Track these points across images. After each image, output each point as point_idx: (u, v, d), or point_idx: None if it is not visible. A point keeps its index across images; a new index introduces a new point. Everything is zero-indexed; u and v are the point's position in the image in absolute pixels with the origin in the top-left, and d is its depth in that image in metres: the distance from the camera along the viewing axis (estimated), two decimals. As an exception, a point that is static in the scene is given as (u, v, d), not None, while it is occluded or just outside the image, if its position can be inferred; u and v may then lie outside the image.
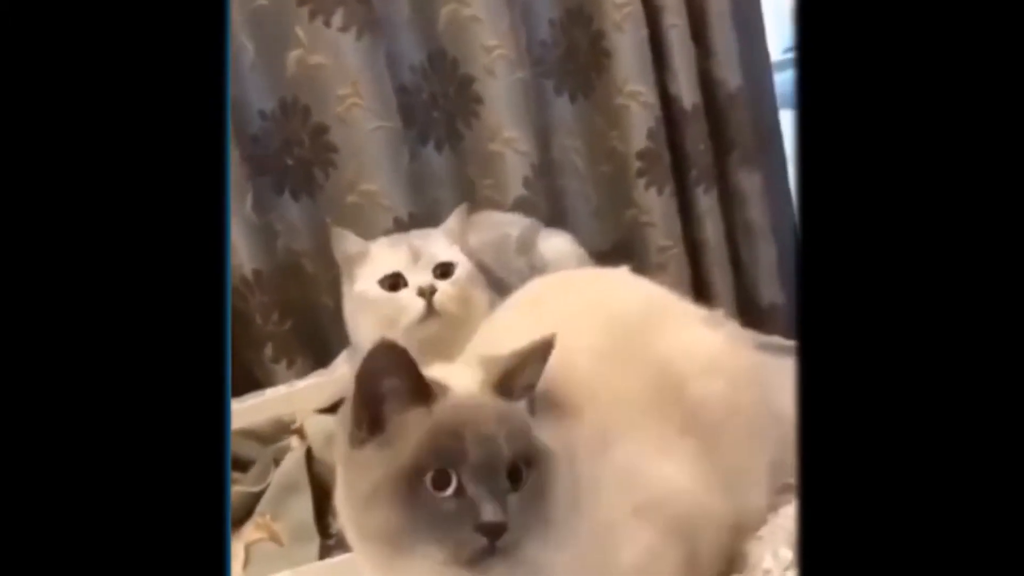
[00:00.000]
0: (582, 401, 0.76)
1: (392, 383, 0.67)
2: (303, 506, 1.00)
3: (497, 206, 1.77)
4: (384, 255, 1.19)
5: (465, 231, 1.23)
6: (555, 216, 1.80)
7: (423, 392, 0.67)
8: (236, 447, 1.15)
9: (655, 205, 1.89)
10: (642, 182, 1.89)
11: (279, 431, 1.16)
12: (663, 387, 0.79)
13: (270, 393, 1.56)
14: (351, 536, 0.71)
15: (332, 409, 1.25)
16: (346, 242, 1.24)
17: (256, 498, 1.06)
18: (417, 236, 1.23)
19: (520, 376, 0.70)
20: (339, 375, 1.42)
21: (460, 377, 0.72)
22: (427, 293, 1.13)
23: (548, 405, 0.74)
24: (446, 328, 1.11)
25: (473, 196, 1.79)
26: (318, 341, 1.73)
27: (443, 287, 1.14)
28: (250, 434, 1.16)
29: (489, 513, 0.63)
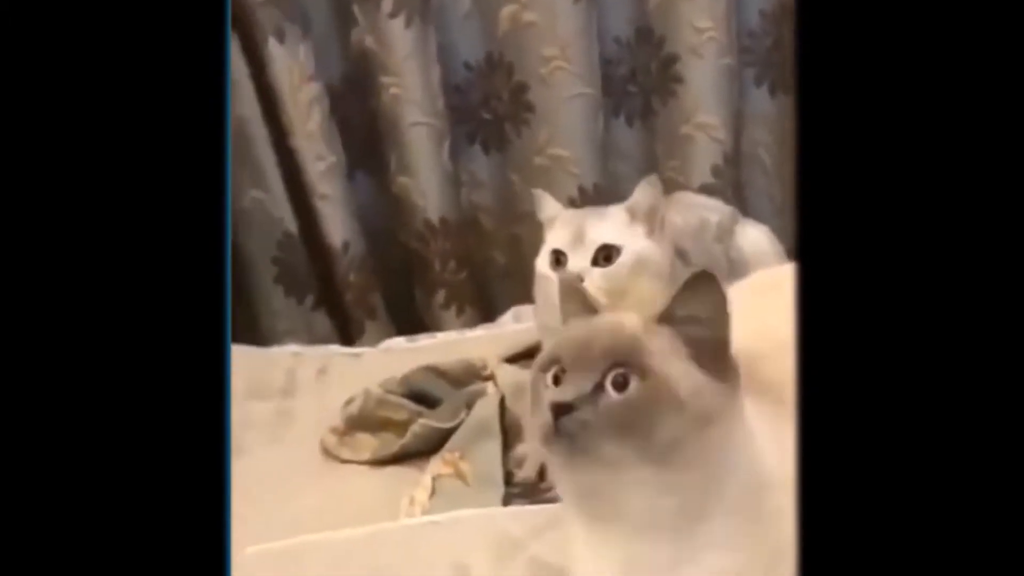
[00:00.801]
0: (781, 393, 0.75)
1: (573, 314, 0.74)
2: (493, 452, 1.03)
3: (680, 189, 1.76)
4: (558, 228, 1.19)
5: (657, 206, 1.20)
6: (738, 209, 1.77)
7: (588, 307, 0.74)
8: (424, 383, 1.19)
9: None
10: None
11: (469, 375, 1.19)
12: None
13: (441, 336, 1.61)
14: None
15: (515, 360, 1.28)
16: (544, 204, 1.25)
17: (443, 434, 1.09)
18: (593, 213, 1.21)
19: (679, 306, 0.69)
20: (516, 329, 1.45)
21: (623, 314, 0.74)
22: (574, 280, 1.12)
23: (772, 400, 0.74)
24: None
25: (658, 176, 1.78)
26: (487, 295, 1.77)
27: (594, 275, 1.12)
28: (439, 373, 1.20)
29: (557, 393, 0.66)
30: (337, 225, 1.66)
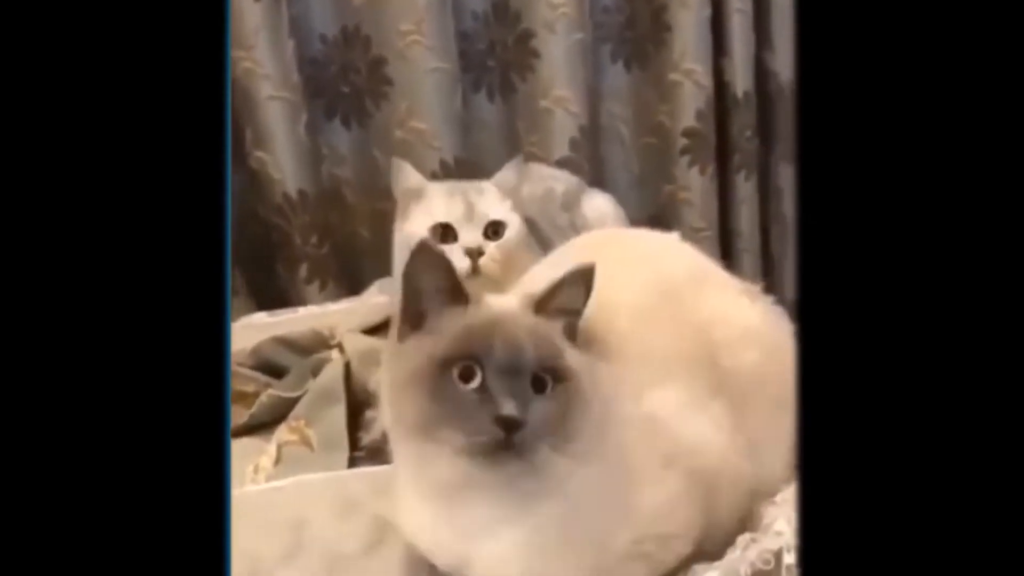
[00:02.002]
0: (622, 350, 0.80)
1: (432, 282, 0.73)
2: (337, 416, 1.04)
3: (541, 163, 1.80)
4: (439, 202, 1.20)
5: (519, 185, 1.24)
6: (596, 182, 1.82)
7: (459, 294, 0.73)
8: (272, 354, 1.20)
9: (695, 184, 1.92)
10: (685, 160, 1.91)
11: (317, 344, 1.20)
12: (699, 350, 0.83)
13: (303, 311, 1.60)
14: (388, 425, 0.77)
15: (368, 331, 1.29)
16: (406, 175, 1.24)
17: (290, 403, 1.10)
18: (473, 188, 1.23)
19: (557, 297, 0.74)
20: (374, 302, 1.46)
21: (502, 298, 0.78)
22: (474, 254, 1.15)
23: (590, 348, 0.78)
24: (488, 287, 1.14)
25: (518, 150, 1.82)
26: (352, 269, 1.78)
27: (491, 249, 1.16)
28: (287, 343, 1.21)
29: (508, 408, 0.68)
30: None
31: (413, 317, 0.74)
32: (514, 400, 0.68)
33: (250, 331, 1.49)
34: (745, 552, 0.75)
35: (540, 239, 1.28)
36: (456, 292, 0.73)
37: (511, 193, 1.23)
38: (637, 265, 0.89)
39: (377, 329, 1.34)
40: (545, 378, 0.71)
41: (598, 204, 1.42)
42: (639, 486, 0.75)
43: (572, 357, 0.73)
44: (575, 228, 1.36)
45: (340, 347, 1.15)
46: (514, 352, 0.70)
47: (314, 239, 1.71)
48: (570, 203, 1.39)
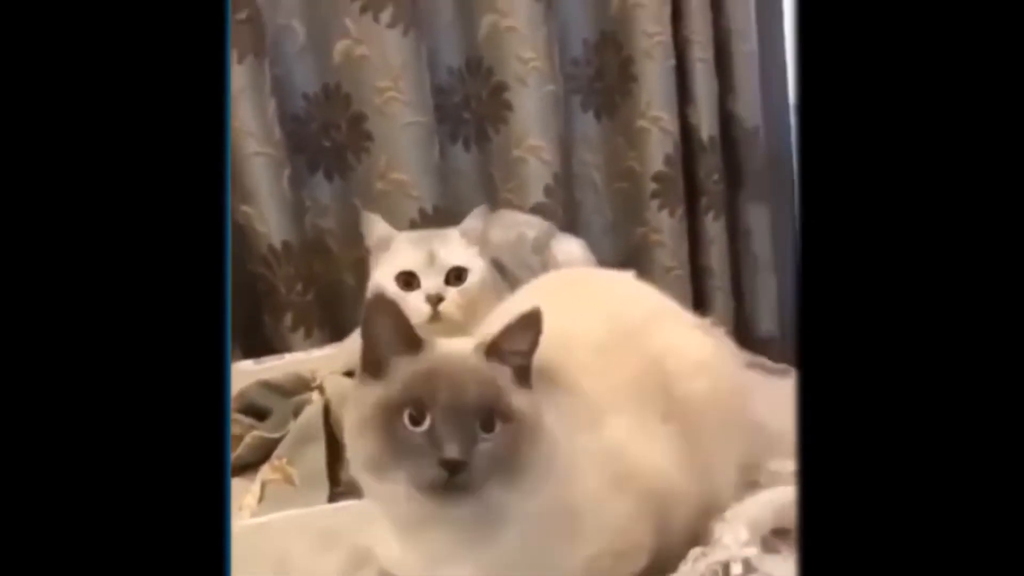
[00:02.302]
0: (578, 382, 0.86)
1: (387, 330, 0.77)
2: (317, 455, 1.09)
3: (517, 210, 1.87)
4: (403, 251, 1.26)
5: (485, 231, 1.30)
6: (570, 227, 1.89)
7: (412, 341, 0.78)
8: (257, 397, 1.25)
9: (666, 226, 1.99)
10: (655, 203, 1.99)
11: (299, 386, 1.26)
12: (652, 380, 0.89)
13: (288, 357, 1.66)
14: (350, 463, 0.82)
15: (349, 374, 1.35)
16: (375, 226, 1.31)
17: (274, 443, 1.15)
18: (437, 236, 1.29)
19: (508, 341, 0.78)
20: (357, 347, 1.52)
21: (457, 343, 0.82)
22: (433, 300, 1.21)
23: (547, 382, 0.84)
24: (451, 331, 1.20)
25: (495, 197, 1.90)
26: (336, 316, 1.84)
27: (451, 295, 1.21)
28: (271, 386, 1.26)
29: (451, 451, 0.71)
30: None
31: (371, 364, 0.78)
32: (457, 442, 0.72)
33: (237, 377, 1.54)
34: (696, 564, 0.80)
35: (512, 281, 1.34)
36: (410, 339, 0.78)
37: (477, 239, 1.28)
38: (595, 302, 0.95)
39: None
40: (494, 419, 0.75)
41: (568, 248, 1.48)
42: (595, 506, 0.80)
43: (519, 397, 0.77)
44: (546, 270, 1.42)
45: (321, 388, 1.20)
46: (458, 395, 0.74)
47: (299, 288, 1.77)
48: (541, 247, 1.46)
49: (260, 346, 1.78)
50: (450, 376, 0.75)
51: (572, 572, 0.79)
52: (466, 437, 0.73)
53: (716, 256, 2.05)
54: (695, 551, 0.82)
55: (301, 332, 1.78)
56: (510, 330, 0.78)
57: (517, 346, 0.79)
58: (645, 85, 1.97)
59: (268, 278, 1.76)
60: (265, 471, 1.11)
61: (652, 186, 1.99)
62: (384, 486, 0.76)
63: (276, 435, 1.16)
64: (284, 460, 1.10)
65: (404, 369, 0.77)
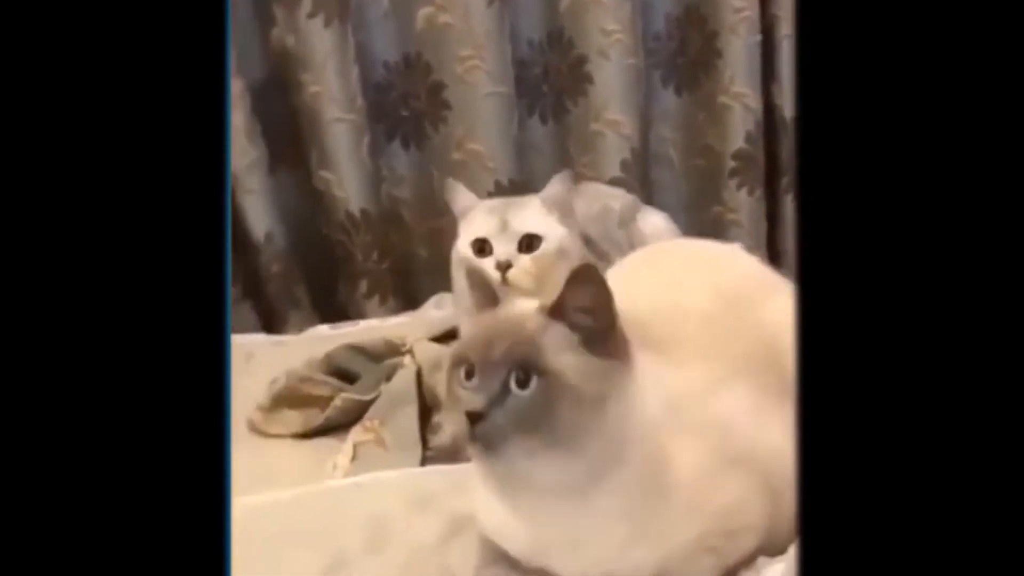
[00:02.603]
0: (688, 355, 0.84)
1: (474, 291, 0.82)
2: (410, 418, 1.09)
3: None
4: (480, 218, 1.26)
5: (568, 198, 1.28)
6: (645, 203, 1.87)
7: (491, 300, 0.80)
8: (344, 361, 1.26)
9: (743, 205, 1.96)
10: (734, 182, 1.96)
11: (388, 351, 1.26)
12: (766, 356, 0.86)
13: (363, 324, 1.67)
14: None
15: (437, 340, 1.35)
16: (457, 194, 1.31)
17: (364, 406, 1.16)
18: (514, 204, 1.28)
19: (569, 299, 0.76)
20: (433, 316, 1.52)
21: (524, 303, 0.81)
22: (503, 267, 1.19)
23: (653, 354, 0.82)
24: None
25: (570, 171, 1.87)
26: (409, 285, 1.84)
27: (522, 262, 1.20)
28: (359, 350, 1.26)
29: (471, 402, 0.72)
30: (260, 218, 1.71)
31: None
32: (482, 394, 0.73)
33: (314, 342, 1.56)
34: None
35: (597, 254, 1.32)
36: (488, 298, 0.80)
37: (557, 206, 1.26)
38: (703, 272, 0.94)
39: (440, 340, 1.40)
40: (529, 373, 0.73)
41: (654, 221, 1.46)
42: (704, 482, 0.79)
43: (567, 357, 0.74)
44: (631, 244, 1.40)
45: (412, 353, 1.20)
46: (490, 349, 0.74)
47: (375, 256, 1.77)
48: (626, 220, 1.44)
49: (334, 311, 1.79)
50: (490, 332, 0.76)
51: (682, 550, 0.78)
52: (493, 391, 0.73)
53: (793, 238, 2.01)
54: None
55: (376, 299, 1.78)
56: (566, 288, 0.76)
57: (579, 302, 0.76)
58: (729, 61, 1.93)
59: (345, 244, 1.76)
60: (357, 432, 1.11)
61: (731, 164, 1.95)
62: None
63: (367, 397, 1.16)
64: (376, 422, 1.11)
65: (467, 328, 0.78)
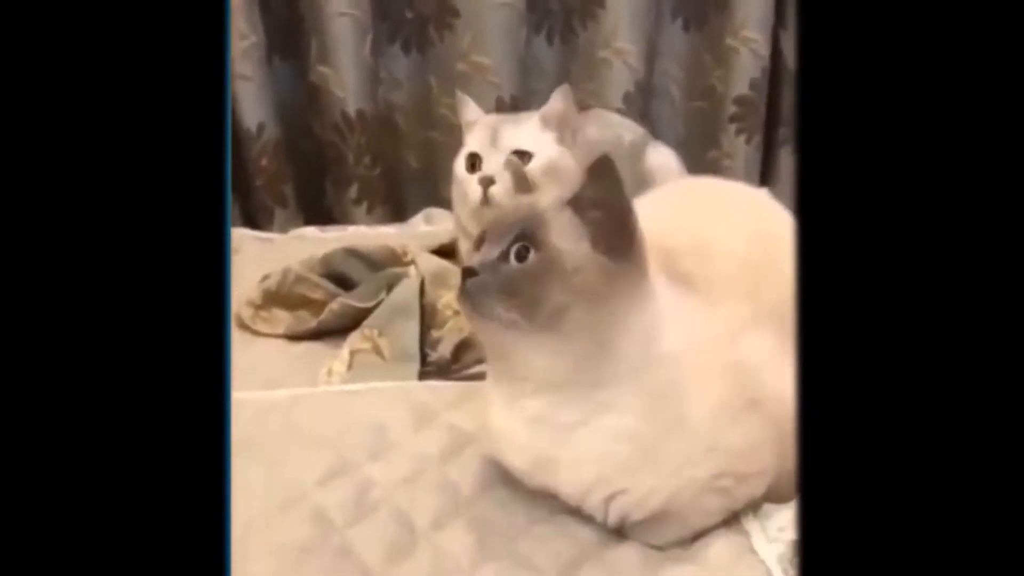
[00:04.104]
0: (719, 295, 0.83)
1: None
2: (411, 330, 1.07)
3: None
4: (476, 132, 1.23)
5: (569, 115, 1.24)
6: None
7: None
8: (342, 265, 1.22)
9: (740, 152, 1.94)
10: (733, 127, 1.93)
11: (390, 259, 1.23)
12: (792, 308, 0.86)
13: (352, 229, 1.63)
14: None
15: (437, 253, 1.32)
16: (464, 108, 1.28)
17: (360, 313, 1.13)
18: (510, 119, 1.25)
19: (585, 192, 0.76)
20: (425, 231, 1.49)
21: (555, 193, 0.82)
22: (485, 183, 1.16)
23: (684, 288, 0.81)
24: None
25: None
26: (399, 196, 1.79)
27: (505, 179, 1.15)
28: (358, 255, 1.23)
29: (467, 259, 0.76)
30: (252, 108, 1.64)
31: None
32: (480, 256, 0.75)
33: (300, 243, 1.52)
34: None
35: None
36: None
37: (556, 124, 1.23)
38: (739, 213, 0.92)
39: (437, 252, 1.37)
40: (529, 248, 0.74)
41: (662, 157, 1.43)
42: (723, 423, 0.79)
43: (563, 236, 0.75)
44: (638, 179, 1.38)
45: (415, 264, 1.17)
46: (500, 219, 0.77)
47: (367, 160, 1.72)
48: (636, 153, 1.41)
49: (321, 214, 1.75)
50: (506, 209, 0.81)
51: (692, 485, 0.78)
52: (492, 255, 0.75)
53: (785, 191, 2.00)
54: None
55: (364, 206, 1.74)
56: (584, 180, 0.76)
57: (593, 194, 0.76)
58: (742, 2, 1.89)
59: (338, 146, 1.71)
60: (355, 340, 1.09)
61: (732, 109, 1.92)
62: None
63: (365, 305, 1.13)
64: (375, 332, 1.08)
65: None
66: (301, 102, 1.71)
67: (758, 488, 0.81)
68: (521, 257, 0.74)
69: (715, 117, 1.96)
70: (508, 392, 0.79)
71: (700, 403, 0.78)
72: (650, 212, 0.89)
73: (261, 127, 1.65)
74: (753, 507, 0.82)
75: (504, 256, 0.74)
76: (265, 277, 1.21)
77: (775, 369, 0.82)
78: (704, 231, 0.88)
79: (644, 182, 1.38)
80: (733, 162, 1.95)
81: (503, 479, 0.84)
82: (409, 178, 1.83)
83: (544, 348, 0.74)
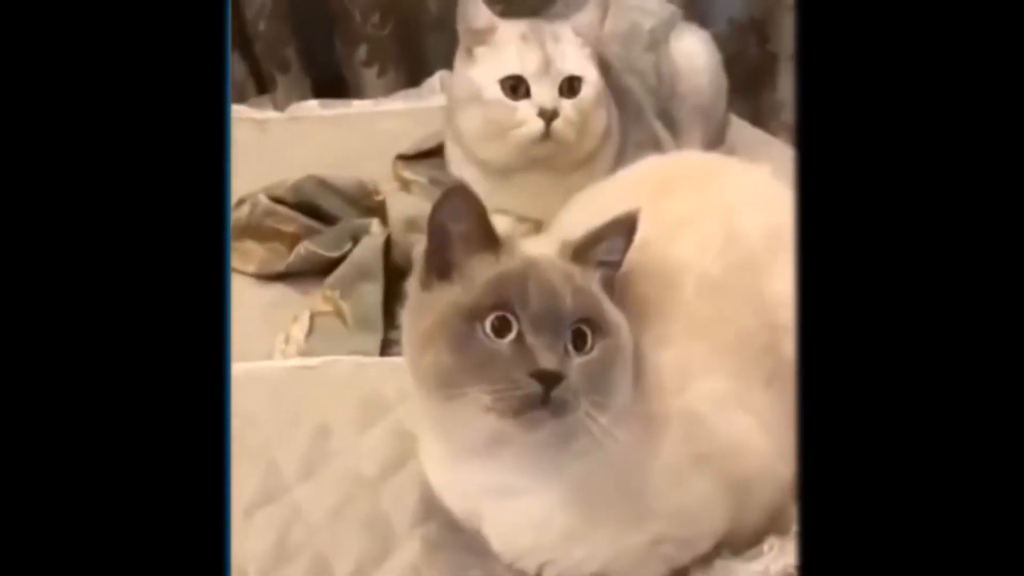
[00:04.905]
0: (677, 331, 0.73)
1: (461, 228, 0.67)
2: (373, 294, 1.00)
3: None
4: (511, 48, 1.05)
5: (601, 25, 1.08)
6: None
7: (490, 239, 0.67)
8: (314, 196, 1.13)
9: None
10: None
11: (361, 195, 1.13)
12: (761, 335, 0.75)
13: (356, 104, 1.51)
14: (412, 377, 0.71)
15: (417, 157, 1.22)
16: (474, 10, 1.07)
17: (327, 263, 1.06)
18: (549, 33, 1.07)
19: (597, 247, 0.69)
20: (434, 106, 1.36)
21: (539, 244, 0.72)
22: (548, 115, 1.02)
23: (641, 320, 0.72)
24: (559, 150, 1.04)
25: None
26: (415, 54, 1.64)
27: (566, 110, 1.03)
28: (330, 187, 1.13)
29: (547, 360, 0.62)
30: (246, -35, 1.49)
31: (440, 265, 0.68)
32: (553, 351, 0.63)
33: (296, 127, 1.42)
34: (768, 560, 0.73)
35: (614, 88, 1.13)
36: (488, 238, 0.67)
37: (593, 37, 1.07)
38: (711, 217, 0.79)
39: (431, 154, 1.26)
40: (586, 331, 0.65)
41: (689, 46, 1.23)
42: (669, 483, 0.71)
43: (612, 310, 0.68)
44: (659, 74, 1.20)
45: (383, 211, 1.07)
46: (551, 302, 0.64)
47: (375, 19, 1.56)
48: (657, 41, 1.21)
49: (330, 79, 1.62)
50: (541, 279, 0.65)
51: (630, 551, 0.72)
52: (560, 348, 0.63)
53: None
54: (770, 541, 0.74)
55: (375, 69, 1.60)
56: (601, 234, 0.68)
57: (608, 254, 0.69)
58: None
59: (343, 1, 1.55)
60: (316, 301, 1.03)
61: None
62: (453, 405, 0.64)
63: (332, 254, 1.06)
64: (337, 293, 1.02)
65: (485, 271, 0.66)
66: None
67: (704, 546, 0.75)
68: (580, 345, 0.65)
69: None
70: (450, 451, 0.72)
71: (643, 464, 0.71)
72: (614, 206, 0.77)
73: (256, -13, 1.50)
74: (704, 561, 0.75)
75: (567, 347, 0.64)
76: (239, 202, 1.14)
77: (728, 417, 0.74)
78: (668, 245, 0.76)
79: (665, 79, 1.21)
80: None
81: (438, 508, 0.79)
82: (428, 29, 1.66)
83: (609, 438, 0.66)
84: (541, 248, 0.71)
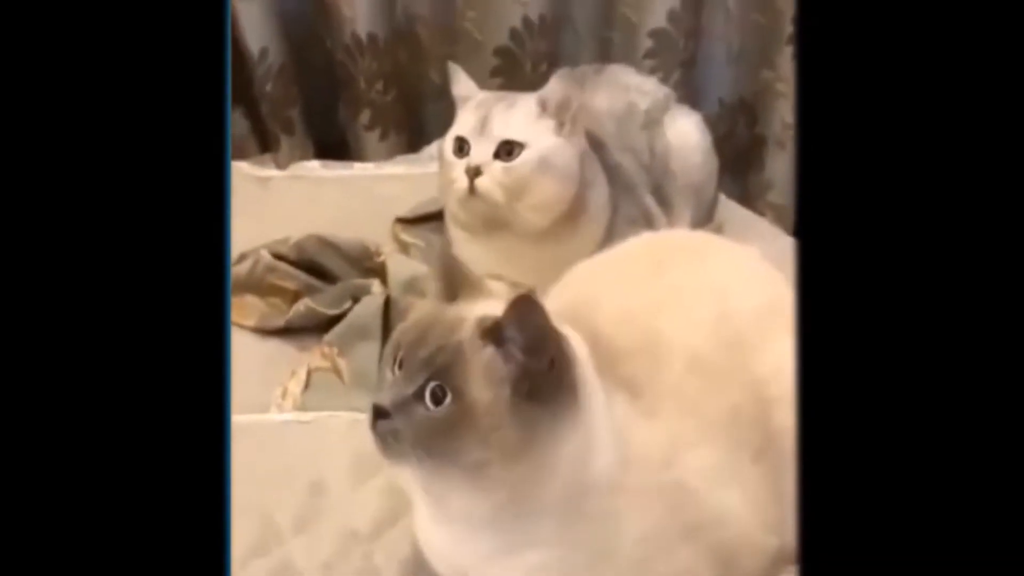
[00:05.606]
0: (663, 405, 0.76)
1: (441, 277, 0.76)
2: (370, 354, 1.03)
3: (632, 29, 1.65)
4: (467, 112, 1.11)
5: (571, 101, 1.10)
6: (688, 59, 1.68)
7: (450, 294, 0.74)
8: (316, 254, 1.17)
9: (795, 78, 1.75)
10: (791, 49, 1.74)
11: (362, 255, 1.16)
12: (750, 410, 0.78)
13: (358, 167, 1.55)
14: None
15: (416, 220, 1.25)
16: (456, 80, 1.16)
17: (326, 320, 1.09)
18: (505, 100, 1.12)
19: (506, 328, 0.67)
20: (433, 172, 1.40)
21: (475, 306, 0.72)
22: (471, 173, 1.06)
23: (626, 399, 0.74)
24: (494, 210, 1.07)
25: (611, 13, 1.67)
26: (416, 121, 1.69)
27: (493, 170, 1.06)
28: (332, 246, 1.17)
29: (382, 396, 0.67)
30: (256, 28, 1.53)
31: None
32: (390, 391, 0.67)
33: (297, 186, 1.46)
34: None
35: (608, 168, 1.18)
36: (450, 292, 0.74)
37: (555, 110, 1.10)
38: (705, 295, 0.82)
39: (429, 218, 1.30)
40: (445, 391, 0.67)
41: (683, 127, 1.29)
42: (655, 553, 0.73)
43: (485, 387, 0.67)
44: (652, 152, 1.25)
45: (384, 272, 1.11)
46: (418, 349, 0.68)
47: (379, 86, 1.62)
48: (652, 121, 1.27)
49: (333, 141, 1.67)
50: (426, 328, 0.70)
51: None
52: (405, 393, 0.67)
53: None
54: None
55: (377, 132, 1.65)
56: (504, 315, 0.67)
57: (515, 333, 0.67)
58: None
59: (348, 68, 1.60)
60: (314, 357, 1.05)
61: (790, 29, 1.72)
62: None
63: (331, 312, 1.08)
64: (335, 351, 1.04)
65: (411, 314, 0.74)
66: (310, 22, 1.59)
67: None
68: (437, 399, 0.66)
69: (773, 35, 1.76)
70: (431, 510, 0.74)
71: (629, 531, 0.73)
72: (603, 288, 0.81)
73: (264, 51, 1.55)
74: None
75: (419, 394, 0.67)
76: (240, 259, 1.16)
77: (717, 489, 0.76)
78: (657, 323, 0.79)
79: (659, 158, 1.26)
80: (786, 86, 1.77)
81: (429, 566, 0.81)
82: (430, 98, 1.71)
83: (463, 492, 0.69)
84: (470, 312, 0.71)
